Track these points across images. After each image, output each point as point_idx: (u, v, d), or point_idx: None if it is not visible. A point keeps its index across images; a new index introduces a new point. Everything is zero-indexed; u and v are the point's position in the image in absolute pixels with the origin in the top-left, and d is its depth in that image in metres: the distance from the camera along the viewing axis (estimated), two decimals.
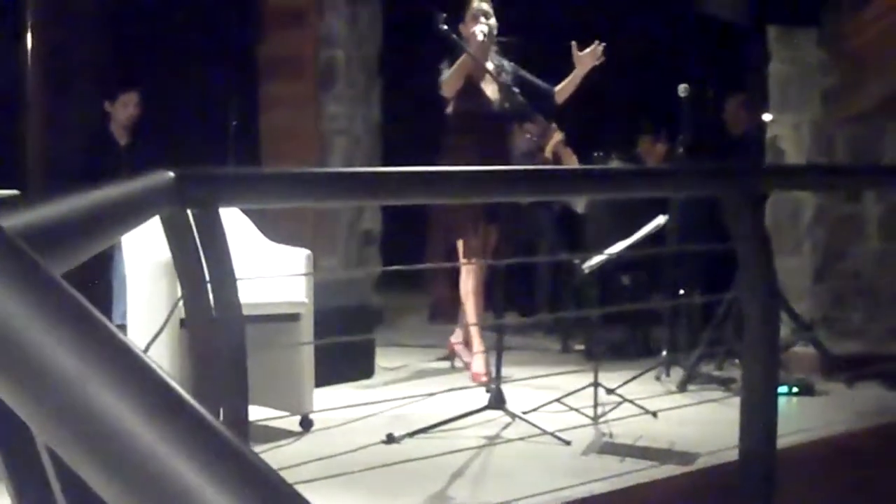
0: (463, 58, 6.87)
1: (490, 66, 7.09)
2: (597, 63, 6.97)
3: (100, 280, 8.00)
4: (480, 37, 6.90)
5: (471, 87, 7.05)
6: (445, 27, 6.66)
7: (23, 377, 1.06)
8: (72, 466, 1.06)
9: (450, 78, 6.96)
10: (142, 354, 1.08)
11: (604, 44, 6.98)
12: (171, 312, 3.41)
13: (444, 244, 7.14)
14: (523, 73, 7.18)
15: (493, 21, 7.07)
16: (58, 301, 1.11)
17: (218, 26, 10.02)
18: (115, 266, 7.40)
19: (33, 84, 9.05)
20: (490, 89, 7.06)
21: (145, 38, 10.01)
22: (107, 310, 7.92)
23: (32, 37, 9.02)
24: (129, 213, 2.54)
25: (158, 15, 10.00)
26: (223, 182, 3.25)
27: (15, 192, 4.37)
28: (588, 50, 6.98)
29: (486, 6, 7.10)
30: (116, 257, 7.21)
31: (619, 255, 6.63)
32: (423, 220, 7.37)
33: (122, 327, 6.63)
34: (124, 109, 8.31)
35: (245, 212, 6.00)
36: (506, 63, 7.17)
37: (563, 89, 7.09)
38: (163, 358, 5.00)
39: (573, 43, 7.00)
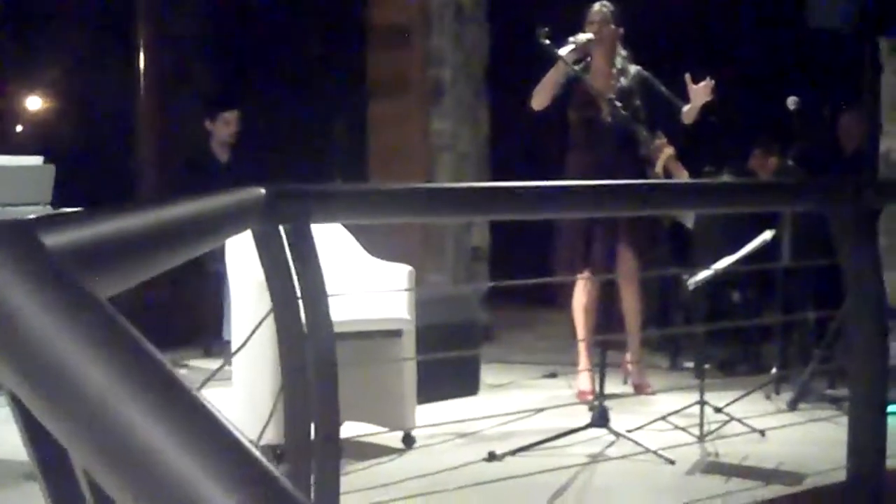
0: (551, 70, 6.78)
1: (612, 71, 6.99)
2: (709, 99, 6.82)
3: (211, 297, 8.10)
4: (564, 51, 6.71)
5: (581, 97, 6.92)
6: (547, 41, 6.58)
7: (59, 398, 1.05)
8: (107, 490, 1.05)
9: (537, 90, 6.87)
10: (176, 376, 1.06)
11: (713, 81, 6.83)
12: (258, 326, 3.42)
13: (569, 256, 7.05)
14: (653, 82, 7.00)
15: (611, 27, 6.95)
16: (97, 323, 1.10)
17: (324, 45, 10.11)
18: (226, 285, 7.48)
19: (143, 104, 9.21)
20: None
21: (250, 57, 10.14)
22: (219, 327, 8.01)
23: (144, 58, 9.19)
24: (218, 227, 2.55)
25: (263, 32, 10.12)
26: (314, 198, 3.25)
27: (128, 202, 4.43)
28: (702, 84, 6.82)
29: (606, 10, 6.97)
30: (227, 276, 7.28)
31: (726, 270, 6.52)
32: (534, 235, 7.33)
33: (229, 343, 6.70)
34: (225, 127, 8.41)
35: (349, 228, 6.01)
36: (632, 69, 7.02)
37: (687, 114, 6.93)
38: (267, 372, 5.03)
39: (687, 75, 6.85)
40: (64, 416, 1.05)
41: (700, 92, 6.80)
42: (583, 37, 6.84)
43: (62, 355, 1.05)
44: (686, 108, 6.89)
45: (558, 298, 7.57)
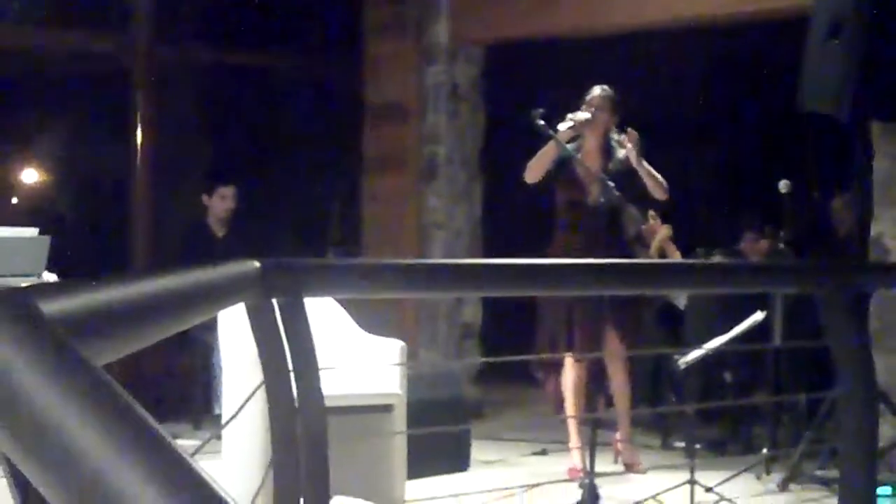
0: (547, 145, 6.86)
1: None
2: (633, 144, 6.86)
3: (201, 371, 8.11)
4: (563, 127, 6.84)
5: (570, 178, 7.01)
6: (541, 122, 6.66)
7: (54, 464, 1.07)
8: None
9: (532, 163, 6.95)
10: (170, 441, 1.08)
11: (627, 129, 6.92)
12: (248, 399, 3.43)
13: (549, 336, 7.09)
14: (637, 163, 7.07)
15: (607, 114, 7.04)
16: (94, 389, 1.12)
17: (321, 121, 10.19)
18: (215, 357, 7.49)
19: (140, 177, 9.27)
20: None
21: (247, 132, 10.22)
22: (209, 400, 8.01)
23: (141, 131, 9.26)
24: (212, 299, 2.58)
25: (259, 108, 10.21)
26: (308, 272, 3.26)
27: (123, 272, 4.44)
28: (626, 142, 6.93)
29: (605, 95, 7.06)
30: (216, 348, 7.30)
31: (717, 350, 6.54)
32: (525, 313, 7.35)
33: (219, 417, 6.70)
34: (221, 202, 8.47)
35: (342, 303, 6.04)
36: (621, 153, 7.06)
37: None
38: (257, 446, 5.03)
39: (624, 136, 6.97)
40: (59, 482, 1.07)
41: (627, 149, 6.91)
42: (581, 115, 6.93)
43: (59, 421, 1.07)
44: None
45: (542, 378, 7.59)
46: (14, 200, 11.10)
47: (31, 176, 11.21)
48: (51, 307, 1.23)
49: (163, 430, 1.11)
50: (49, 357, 1.14)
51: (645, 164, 6.91)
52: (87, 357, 1.18)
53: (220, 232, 8.52)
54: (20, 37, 9.59)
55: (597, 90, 7.10)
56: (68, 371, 1.14)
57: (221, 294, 2.67)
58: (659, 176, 6.95)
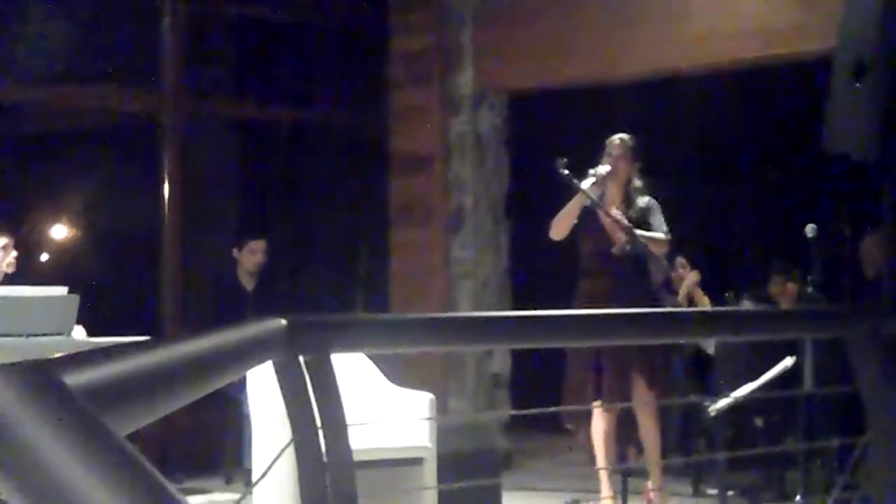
0: (571, 201, 6.85)
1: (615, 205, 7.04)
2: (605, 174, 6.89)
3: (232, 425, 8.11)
4: (586, 184, 6.80)
5: (595, 228, 6.99)
6: (566, 171, 6.66)
7: None
8: None
9: (557, 220, 6.93)
10: None
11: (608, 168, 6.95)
12: (278, 456, 3.43)
13: (578, 385, 7.06)
14: (652, 214, 7.08)
15: (627, 162, 7.03)
16: (117, 461, 1.13)
17: (347, 172, 10.24)
18: (244, 412, 7.49)
19: (168, 233, 9.31)
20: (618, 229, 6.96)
21: (274, 186, 10.26)
22: (240, 454, 8.00)
23: (168, 188, 9.30)
24: (239, 359, 2.59)
25: (286, 161, 10.26)
26: (335, 328, 3.28)
27: (147, 339, 4.46)
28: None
29: (624, 143, 7.04)
30: (246, 402, 7.30)
31: (747, 397, 6.50)
32: (555, 361, 7.32)
33: (250, 472, 6.69)
34: (252, 256, 8.47)
35: (370, 355, 6.03)
36: (640, 200, 7.10)
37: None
38: (288, 502, 5.02)
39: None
40: None
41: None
42: (602, 170, 6.91)
43: (83, 496, 1.08)
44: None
45: (574, 428, 7.55)
46: (44, 257, 11.17)
47: (57, 232, 11.28)
48: (76, 379, 1.23)
49: (185, 499, 1.11)
50: (75, 432, 1.14)
51: (640, 232, 6.89)
52: (112, 429, 1.19)
53: (249, 286, 8.53)
54: (48, 93, 9.67)
55: (616, 139, 7.08)
56: (93, 445, 1.14)
57: (248, 354, 2.69)
58: (655, 234, 6.94)
